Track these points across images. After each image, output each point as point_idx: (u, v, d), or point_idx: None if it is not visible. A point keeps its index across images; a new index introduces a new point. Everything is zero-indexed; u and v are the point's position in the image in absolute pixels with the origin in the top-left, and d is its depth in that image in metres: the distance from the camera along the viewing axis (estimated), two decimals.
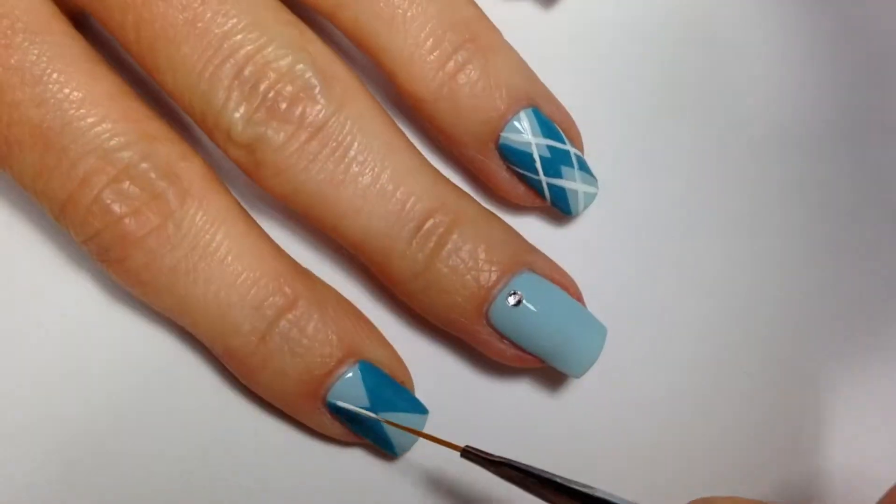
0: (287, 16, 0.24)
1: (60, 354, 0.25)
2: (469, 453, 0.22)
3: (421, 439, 0.24)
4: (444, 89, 0.25)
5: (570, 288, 0.25)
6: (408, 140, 0.25)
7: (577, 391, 0.26)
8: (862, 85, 0.28)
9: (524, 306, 0.24)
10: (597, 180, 0.26)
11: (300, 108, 0.23)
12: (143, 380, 0.25)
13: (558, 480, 0.21)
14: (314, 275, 0.25)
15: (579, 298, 0.25)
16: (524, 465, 0.21)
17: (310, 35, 0.24)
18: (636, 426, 0.26)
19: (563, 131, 0.26)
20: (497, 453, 0.24)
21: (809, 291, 0.27)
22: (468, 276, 0.24)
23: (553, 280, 0.25)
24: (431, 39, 0.25)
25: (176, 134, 0.24)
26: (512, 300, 0.24)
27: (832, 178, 0.28)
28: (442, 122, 0.25)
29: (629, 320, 0.26)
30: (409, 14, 0.24)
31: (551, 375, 0.26)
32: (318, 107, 0.23)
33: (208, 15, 0.23)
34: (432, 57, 0.25)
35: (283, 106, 0.23)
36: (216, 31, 0.23)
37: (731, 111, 0.28)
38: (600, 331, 0.25)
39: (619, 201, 0.27)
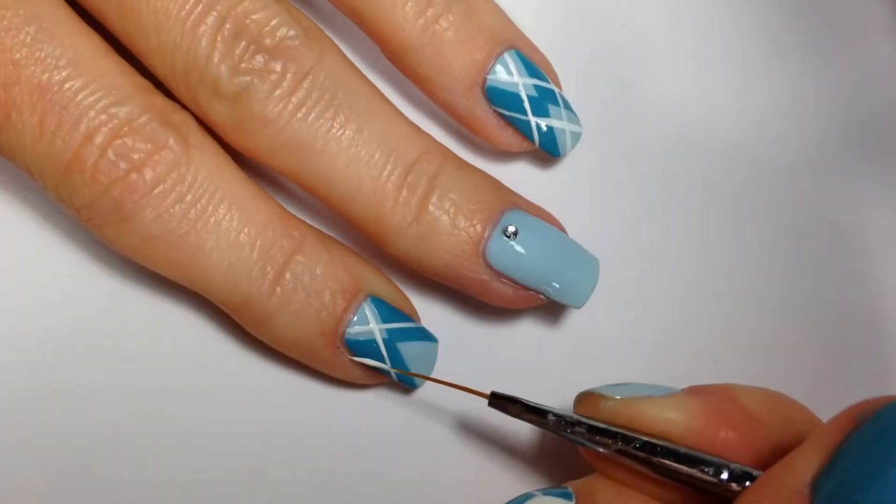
0: None
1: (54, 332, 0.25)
2: (497, 399, 0.23)
3: (436, 370, 0.25)
4: (428, 34, 0.25)
5: (557, 224, 0.25)
6: (383, 94, 0.25)
7: (576, 325, 0.26)
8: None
9: (520, 240, 0.24)
10: (580, 119, 0.26)
11: (283, 60, 0.23)
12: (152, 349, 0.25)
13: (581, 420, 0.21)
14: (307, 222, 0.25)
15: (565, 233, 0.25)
16: (547, 407, 0.22)
17: None
18: (634, 356, 0.26)
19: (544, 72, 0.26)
20: (507, 392, 0.24)
21: (790, 274, 0.27)
22: (461, 217, 0.24)
23: (539, 216, 0.25)
24: None
25: (162, 88, 0.24)
26: (511, 229, 0.24)
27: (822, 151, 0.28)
28: (428, 68, 0.25)
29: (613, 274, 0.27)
30: None
31: (549, 314, 0.26)
32: (301, 58, 0.23)
33: None
34: (412, 3, 0.25)
35: (267, 58, 0.23)
36: None
37: (715, 52, 0.28)
38: (593, 261, 0.25)
39: (600, 149, 0.27)
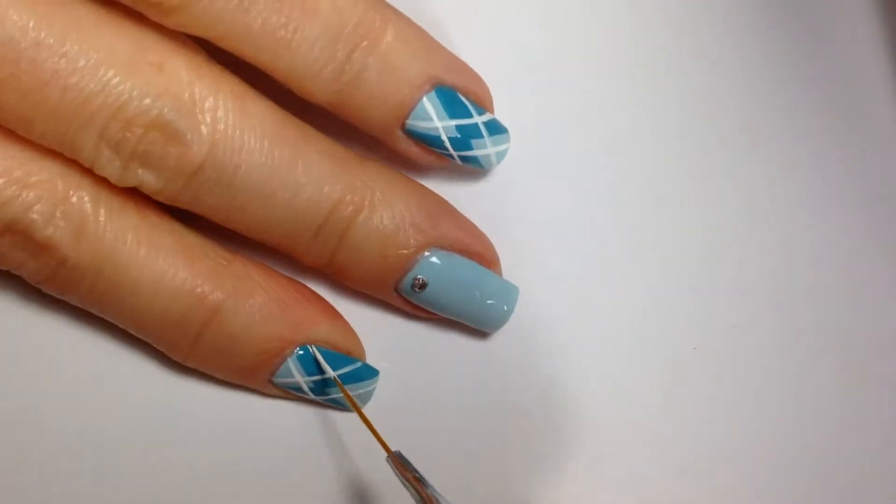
0: (150, 54, 0.23)
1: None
2: (394, 459, 0.24)
3: (374, 394, 0.26)
4: (344, 95, 0.25)
5: (483, 252, 0.26)
6: (302, 127, 0.25)
7: (557, 316, 0.28)
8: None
9: (429, 289, 0.26)
10: (508, 132, 0.26)
11: (173, 157, 0.23)
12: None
13: None
14: (242, 259, 0.25)
15: (491, 261, 0.26)
16: (432, 490, 0.23)
17: (173, 66, 0.23)
18: (560, 365, 0.28)
19: (471, 96, 0.26)
20: (436, 402, 0.27)
21: (766, 261, 0.28)
22: (374, 267, 0.25)
23: (464, 249, 0.26)
24: (321, 57, 0.24)
25: (58, 167, 0.23)
26: (417, 285, 0.26)
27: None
28: (348, 118, 0.25)
29: (592, 266, 0.28)
30: (293, 43, 0.24)
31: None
32: (192, 150, 0.23)
33: (71, 81, 0.22)
34: (327, 70, 0.24)
35: (157, 156, 0.23)
36: (73, 97, 0.22)
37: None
38: (510, 293, 0.26)
39: (538, 149, 0.28)
